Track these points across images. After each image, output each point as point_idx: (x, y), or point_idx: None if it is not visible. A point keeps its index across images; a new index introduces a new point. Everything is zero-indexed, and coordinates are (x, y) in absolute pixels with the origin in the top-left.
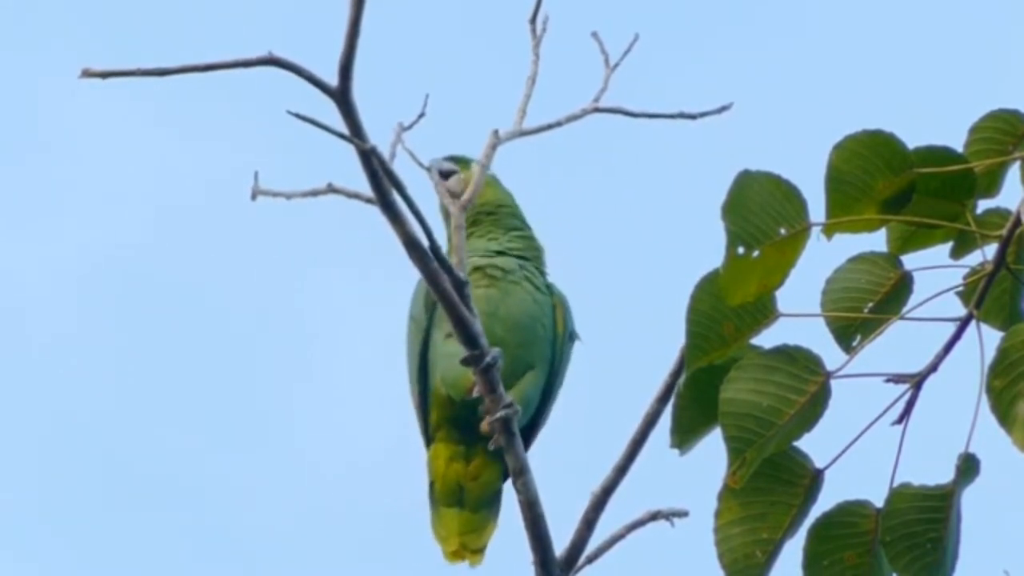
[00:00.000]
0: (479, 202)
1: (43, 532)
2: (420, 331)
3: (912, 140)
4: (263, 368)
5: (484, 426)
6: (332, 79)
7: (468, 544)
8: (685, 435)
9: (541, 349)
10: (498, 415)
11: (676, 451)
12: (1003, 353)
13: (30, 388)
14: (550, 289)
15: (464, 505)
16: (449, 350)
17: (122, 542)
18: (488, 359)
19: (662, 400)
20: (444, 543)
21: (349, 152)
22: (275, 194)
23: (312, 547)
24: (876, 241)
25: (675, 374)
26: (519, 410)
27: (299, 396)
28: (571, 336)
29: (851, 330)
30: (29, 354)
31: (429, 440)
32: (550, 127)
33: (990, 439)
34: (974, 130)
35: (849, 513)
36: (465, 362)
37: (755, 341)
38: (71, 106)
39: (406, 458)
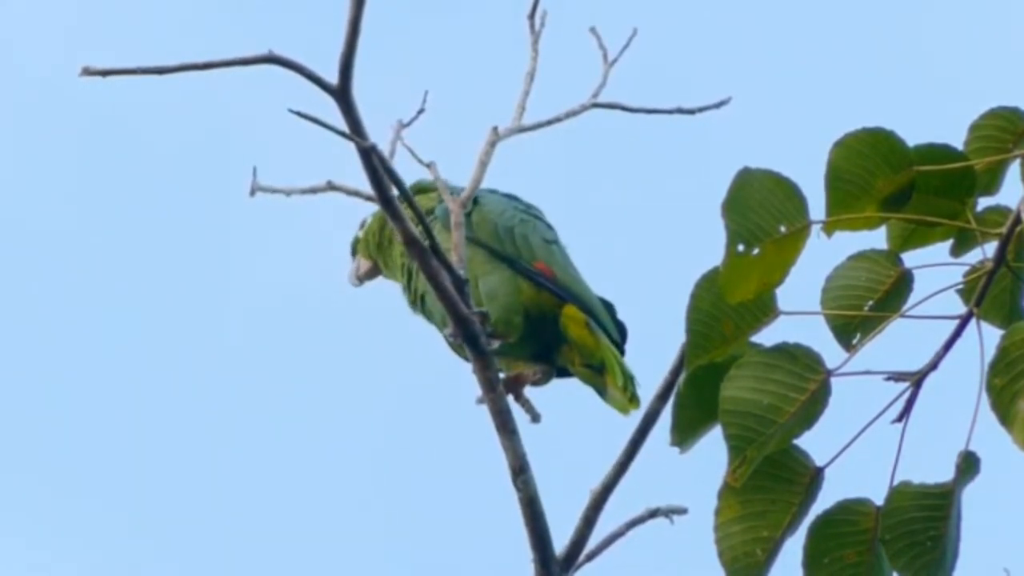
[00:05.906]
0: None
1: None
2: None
3: (912, 138)
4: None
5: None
6: (332, 77)
7: (629, 388)
8: (685, 433)
9: (472, 254)
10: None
11: (676, 449)
12: (1003, 351)
13: None
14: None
15: (600, 365)
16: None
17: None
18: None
19: (662, 398)
20: (623, 398)
21: (349, 150)
22: (274, 190)
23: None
24: (876, 239)
25: (675, 372)
26: (478, 320)
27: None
28: (443, 209)
29: (851, 328)
30: None
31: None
32: (549, 123)
33: (990, 437)
34: (974, 128)
35: (849, 511)
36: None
37: (755, 339)
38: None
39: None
